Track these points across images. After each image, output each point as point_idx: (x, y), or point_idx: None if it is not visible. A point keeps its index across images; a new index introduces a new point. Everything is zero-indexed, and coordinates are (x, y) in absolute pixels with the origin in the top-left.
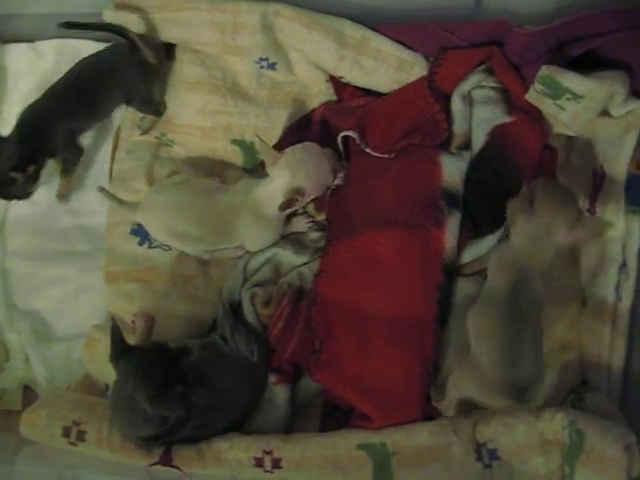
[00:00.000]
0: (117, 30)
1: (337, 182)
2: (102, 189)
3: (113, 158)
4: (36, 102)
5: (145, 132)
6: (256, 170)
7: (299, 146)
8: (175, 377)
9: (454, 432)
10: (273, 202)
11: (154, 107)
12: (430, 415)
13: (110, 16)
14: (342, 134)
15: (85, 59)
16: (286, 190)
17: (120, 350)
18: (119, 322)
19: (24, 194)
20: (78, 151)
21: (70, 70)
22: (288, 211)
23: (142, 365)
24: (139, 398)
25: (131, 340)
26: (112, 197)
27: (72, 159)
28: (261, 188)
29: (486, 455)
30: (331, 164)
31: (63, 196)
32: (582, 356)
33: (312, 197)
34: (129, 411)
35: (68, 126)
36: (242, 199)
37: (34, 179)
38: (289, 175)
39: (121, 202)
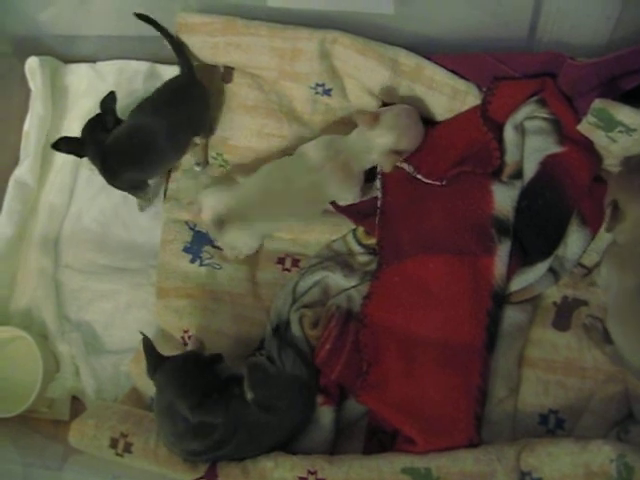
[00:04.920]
0: (178, 49)
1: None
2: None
3: (168, 177)
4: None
5: (204, 163)
6: None
7: (403, 111)
8: (212, 384)
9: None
10: (366, 156)
11: (211, 132)
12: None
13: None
14: None
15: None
16: (388, 150)
17: (155, 363)
18: (168, 338)
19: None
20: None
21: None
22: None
23: (178, 375)
24: (180, 408)
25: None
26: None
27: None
28: (357, 142)
29: None
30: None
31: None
32: (628, 388)
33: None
34: (171, 424)
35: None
36: (326, 155)
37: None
38: (394, 138)
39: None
